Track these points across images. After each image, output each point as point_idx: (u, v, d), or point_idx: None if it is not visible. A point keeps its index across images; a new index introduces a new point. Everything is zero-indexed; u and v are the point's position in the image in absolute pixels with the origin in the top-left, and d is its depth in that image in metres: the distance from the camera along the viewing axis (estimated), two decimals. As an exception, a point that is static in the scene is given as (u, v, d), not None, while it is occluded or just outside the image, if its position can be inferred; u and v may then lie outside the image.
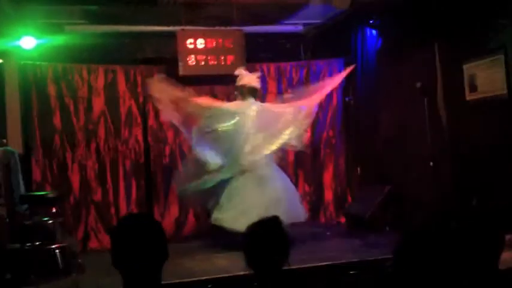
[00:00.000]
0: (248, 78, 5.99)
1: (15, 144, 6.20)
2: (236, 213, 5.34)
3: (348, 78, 7.34)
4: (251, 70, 7.25)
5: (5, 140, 6.02)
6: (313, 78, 7.39)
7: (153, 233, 1.97)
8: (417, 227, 1.78)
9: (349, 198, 7.35)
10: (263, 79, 7.32)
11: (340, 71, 7.35)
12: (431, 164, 5.40)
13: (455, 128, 5.66)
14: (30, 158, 6.32)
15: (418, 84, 5.44)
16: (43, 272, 4.74)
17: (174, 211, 6.83)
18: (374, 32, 6.86)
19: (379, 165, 6.81)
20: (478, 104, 5.32)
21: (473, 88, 5.37)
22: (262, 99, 7.32)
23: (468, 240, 1.92)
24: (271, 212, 2.40)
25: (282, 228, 2.27)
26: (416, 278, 1.69)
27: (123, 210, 6.67)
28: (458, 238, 1.80)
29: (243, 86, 5.94)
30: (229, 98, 6.29)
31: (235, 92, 6.04)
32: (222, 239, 5.65)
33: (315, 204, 7.36)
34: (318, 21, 7.27)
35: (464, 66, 5.44)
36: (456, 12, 5.41)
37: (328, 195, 7.40)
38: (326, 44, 7.48)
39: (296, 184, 7.28)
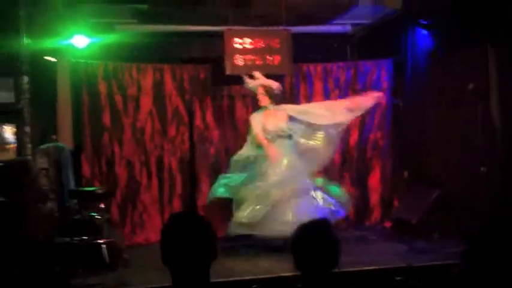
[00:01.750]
0: (265, 80, 5.99)
1: (65, 140, 6.36)
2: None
3: (397, 79, 7.24)
4: (298, 70, 7.25)
5: (55, 136, 6.18)
6: (360, 79, 7.29)
7: (204, 233, 1.97)
8: (484, 235, 1.70)
9: (395, 203, 7.20)
10: (309, 79, 7.30)
11: (388, 72, 7.26)
12: (482, 169, 5.23)
13: (508, 132, 5.47)
14: (80, 154, 6.46)
15: (471, 86, 5.27)
16: (90, 266, 4.83)
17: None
18: (425, 32, 6.70)
19: (428, 169, 6.65)
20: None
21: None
22: (309, 100, 7.30)
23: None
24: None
25: (332, 230, 2.23)
26: (485, 285, 1.62)
27: (167, 207, 6.74)
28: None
29: (266, 86, 5.92)
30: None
31: (261, 93, 5.95)
32: (262, 240, 5.63)
33: (360, 207, 7.25)
34: (367, 21, 7.15)
35: (520, 69, 5.26)
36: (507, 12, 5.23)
37: (374, 198, 7.27)
38: (374, 44, 7.35)
39: (341, 186, 7.20)
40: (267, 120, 5.86)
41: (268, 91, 5.89)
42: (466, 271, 1.69)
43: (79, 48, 6.45)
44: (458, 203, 5.98)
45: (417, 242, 5.69)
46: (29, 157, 5.15)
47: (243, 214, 5.54)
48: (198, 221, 2.02)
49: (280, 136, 5.81)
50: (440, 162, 6.40)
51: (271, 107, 5.88)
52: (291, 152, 5.77)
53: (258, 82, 5.93)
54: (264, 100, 5.90)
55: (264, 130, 5.82)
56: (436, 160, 6.50)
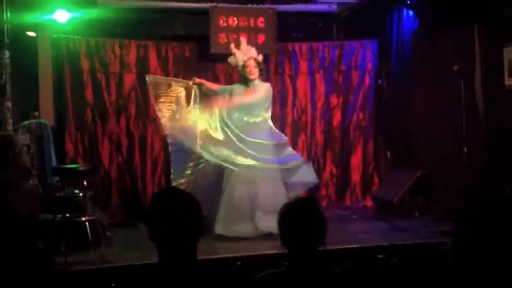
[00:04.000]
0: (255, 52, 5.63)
1: (47, 116, 6.28)
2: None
3: (382, 60, 7.25)
4: (283, 49, 7.22)
5: (37, 113, 6.09)
6: (346, 58, 7.30)
7: (191, 209, 1.96)
8: (474, 213, 1.72)
9: (376, 182, 7.28)
10: (294, 58, 7.26)
11: (373, 52, 7.26)
12: (465, 149, 5.28)
13: (491, 113, 5.52)
14: (63, 131, 6.39)
15: (456, 67, 5.29)
16: (72, 243, 4.80)
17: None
18: (411, 12, 6.69)
19: (410, 149, 6.71)
20: (517, 90, 5.17)
21: (513, 73, 5.21)
22: (293, 79, 7.29)
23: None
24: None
25: (319, 208, 2.24)
26: (476, 263, 1.65)
27: (150, 185, 6.73)
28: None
29: (257, 58, 5.58)
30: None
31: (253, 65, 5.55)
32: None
33: (341, 186, 7.31)
34: (353, 0, 7.12)
35: (505, 50, 5.28)
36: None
37: (355, 177, 7.33)
38: (359, 24, 7.34)
39: (323, 165, 7.26)
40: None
41: (260, 64, 5.58)
42: (455, 249, 1.71)
43: (60, 23, 6.33)
44: (440, 184, 6.05)
45: (398, 221, 5.75)
46: (12, 133, 5.07)
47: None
48: (184, 198, 2.01)
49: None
50: (424, 142, 6.46)
51: (257, 82, 5.54)
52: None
53: (250, 53, 5.56)
54: (255, 73, 5.51)
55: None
56: (419, 141, 6.55)
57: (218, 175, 5.47)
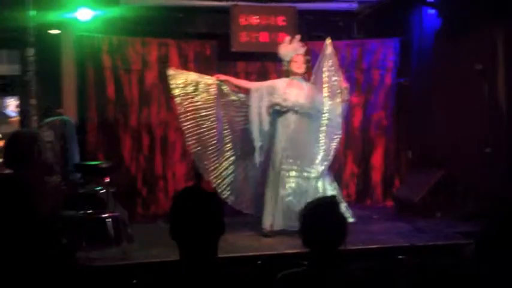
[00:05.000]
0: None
1: (70, 113, 6.35)
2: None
3: (403, 59, 7.19)
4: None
5: (61, 110, 6.17)
6: (366, 57, 7.25)
7: (212, 207, 1.98)
8: (501, 216, 1.70)
9: (397, 182, 7.22)
10: (314, 57, 7.23)
11: (395, 51, 7.21)
12: (487, 150, 5.22)
13: (515, 114, 5.45)
14: (85, 128, 6.46)
15: (479, 66, 5.23)
16: (94, 240, 4.85)
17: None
18: (433, 11, 6.62)
19: (431, 149, 6.64)
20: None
21: (537, 73, 5.14)
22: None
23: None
24: None
25: (340, 208, 2.24)
26: (500, 267, 1.63)
27: (171, 182, 6.77)
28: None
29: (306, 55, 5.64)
30: (281, 75, 6.18)
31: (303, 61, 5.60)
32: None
33: (361, 186, 7.28)
34: (374, -1, 7.08)
35: (529, 50, 5.22)
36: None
37: (376, 177, 7.29)
38: (380, 23, 7.29)
39: (344, 165, 7.23)
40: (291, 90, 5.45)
41: (308, 61, 5.62)
42: (480, 252, 1.70)
43: (83, 21, 6.40)
44: (462, 184, 5.98)
45: (419, 222, 5.70)
46: (37, 129, 5.15)
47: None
48: (206, 196, 2.03)
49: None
50: (445, 142, 6.39)
51: (301, 79, 5.51)
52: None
53: (300, 50, 5.56)
54: (302, 68, 5.50)
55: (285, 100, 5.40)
56: (441, 140, 6.48)
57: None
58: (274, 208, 5.31)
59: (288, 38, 5.72)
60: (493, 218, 1.72)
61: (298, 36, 5.72)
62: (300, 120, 5.44)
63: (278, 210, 5.29)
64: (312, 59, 7.18)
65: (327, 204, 2.24)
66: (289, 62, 5.54)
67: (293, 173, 5.35)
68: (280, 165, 5.33)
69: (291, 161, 5.36)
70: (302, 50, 5.60)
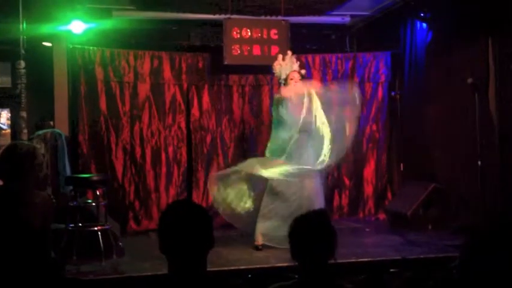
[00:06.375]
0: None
1: (62, 126, 6.33)
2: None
3: (395, 72, 7.24)
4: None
5: (52, 122, 6.15)
6: (359, 70, 7.29)
7: (201, 221, 1.97)
8: (486, 229, 1.70)
9: (389, 195, 7.23)
10: (308, 70, 7.26)
11: (387, 64, 7.25)
12: (479, 163, 5.23)
13: (505, 127, 5.47)
14: (77, 141, 6.44)
15: (470, 80, 5.26)
16: (85, 253, 4.82)
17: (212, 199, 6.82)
18: (424, 25, 6.68)
19: (424, 162, 6.66)
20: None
21: (528, 86, 5.17)
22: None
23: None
24: None
25: (329, 221, 2.23)
26: (485, 281, 1.62)
27: (164, 195, 6.74)
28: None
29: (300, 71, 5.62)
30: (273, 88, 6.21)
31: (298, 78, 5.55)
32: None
33: (354, 198, 7.27)
34: (366, 13, 7.12)
35: (519, 63, 5.25)
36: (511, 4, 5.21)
37: (368, 190, 7.29)
38: (373, 36, 7.34)
39: (337, 177, 7.22)
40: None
41: (303, 76, 5.61)
42: (465, 265, 1.69)
43: (76, 34, 6.40)
44: (454, 197, 5.99)
45: (411, 235, 5.69)
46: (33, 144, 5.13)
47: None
48: (195, 209, 2.02)
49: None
50: (437, 155, 6.41)
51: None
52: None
53: (295, 66, 5.58)
54: (300, 84, 5.49)
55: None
56: (433, 153, 6.50)
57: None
58: (265, 221, 5.30)
59: (280, 55, 5.74)
60: (477, 230, 1.72)
61: (289, 52, 5.76)
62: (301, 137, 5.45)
63: (268, 222, 5.28)
64: (306, 72, 7.26)
65: (316, 217, 2.23)
66: (286, 79, 5.57)
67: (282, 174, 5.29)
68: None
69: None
70: (296, 66, 5.64)
